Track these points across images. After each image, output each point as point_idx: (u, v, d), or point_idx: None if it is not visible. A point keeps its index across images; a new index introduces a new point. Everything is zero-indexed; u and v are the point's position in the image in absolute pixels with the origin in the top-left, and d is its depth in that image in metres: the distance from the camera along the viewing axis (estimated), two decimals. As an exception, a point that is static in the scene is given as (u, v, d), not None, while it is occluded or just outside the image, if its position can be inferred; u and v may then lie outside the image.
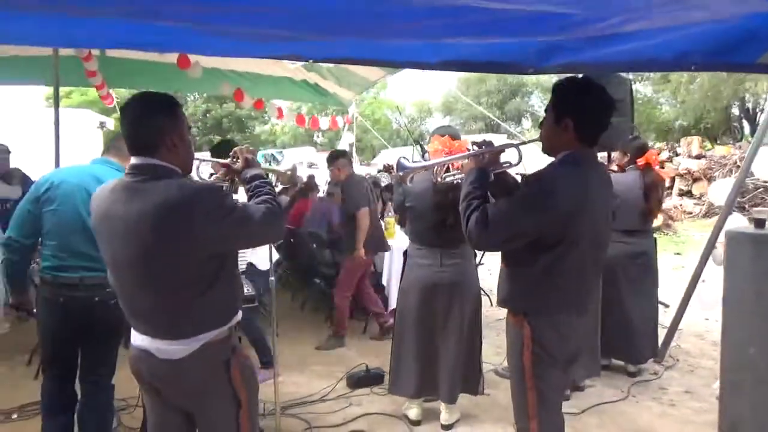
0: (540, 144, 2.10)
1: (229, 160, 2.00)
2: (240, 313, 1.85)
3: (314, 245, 5.72)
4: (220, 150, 3.14)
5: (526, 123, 30.82)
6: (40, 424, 2.66)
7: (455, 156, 2.50)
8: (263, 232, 1.74)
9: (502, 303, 2.16)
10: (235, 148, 1.99)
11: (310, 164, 18.92)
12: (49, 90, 8.41)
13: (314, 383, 3.97)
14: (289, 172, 2.27)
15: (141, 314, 1.73)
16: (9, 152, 5.25)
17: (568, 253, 1.95)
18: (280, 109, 8.63)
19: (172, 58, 5.30)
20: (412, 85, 42.10)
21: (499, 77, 30.79)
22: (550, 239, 1.94)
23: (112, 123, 12.19)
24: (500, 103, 30.43)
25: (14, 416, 3.37)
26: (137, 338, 1.76)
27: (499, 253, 2.19)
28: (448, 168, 2.61)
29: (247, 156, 1.95)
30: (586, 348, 3.24)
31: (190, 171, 1.84)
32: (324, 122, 9.21)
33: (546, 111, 2.06)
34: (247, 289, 3.24)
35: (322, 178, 8.83)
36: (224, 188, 1.95)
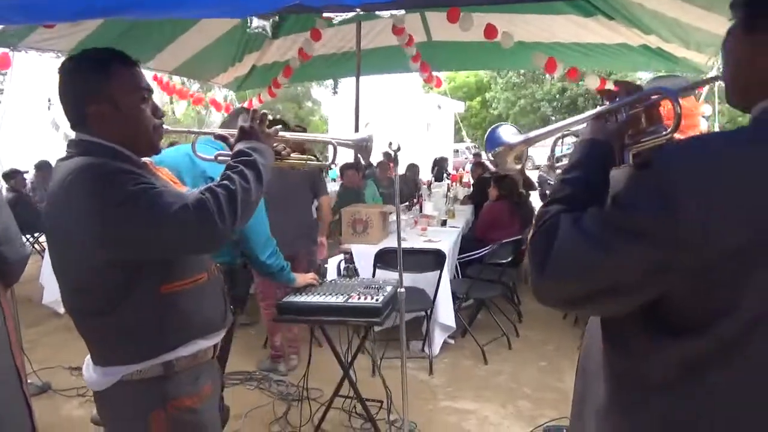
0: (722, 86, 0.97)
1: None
2: (199, 345, 1.38)
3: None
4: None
5: None
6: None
7: (568, 121, 1.21)
8: (175, 234, 1.19)
9: None
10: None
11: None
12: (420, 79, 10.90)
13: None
14: (366, 144, 1.61)
15: None
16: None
17: (734, 350, 0.80)
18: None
19: (481, 35, 5.26)
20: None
21: None
22: (687, 309, 0.83)
23: (463, 106, 13.97)
24: None
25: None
26: None
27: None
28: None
29: (243, 125, 1.42)
30: None
31: (152, 147, 1.39)
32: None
33: (732, 19, 0.93)
34: (376, 299, 2.31)
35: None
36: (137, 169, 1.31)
